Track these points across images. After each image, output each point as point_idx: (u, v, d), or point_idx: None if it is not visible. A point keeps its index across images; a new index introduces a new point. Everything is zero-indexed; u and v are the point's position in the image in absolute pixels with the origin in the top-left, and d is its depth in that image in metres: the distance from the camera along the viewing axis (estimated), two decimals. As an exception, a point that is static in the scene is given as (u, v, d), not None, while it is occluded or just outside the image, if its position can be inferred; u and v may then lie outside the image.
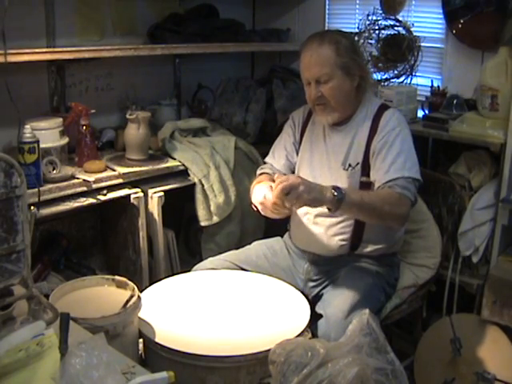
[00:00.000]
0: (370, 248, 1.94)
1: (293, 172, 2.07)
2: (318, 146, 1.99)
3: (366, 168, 1.87)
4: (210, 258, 2.03)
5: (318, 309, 1.77)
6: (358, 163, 1.88)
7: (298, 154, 2.05)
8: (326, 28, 2.99)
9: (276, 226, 2.19)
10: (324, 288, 1.92)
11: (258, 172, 2.12)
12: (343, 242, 1.92)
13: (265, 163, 2.16)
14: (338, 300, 1.74)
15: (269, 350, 1.36)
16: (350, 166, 1.89)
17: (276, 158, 2.08)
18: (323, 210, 1.75)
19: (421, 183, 1.84)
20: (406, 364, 2.21)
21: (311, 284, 1.97)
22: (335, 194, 1.64)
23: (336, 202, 1.64)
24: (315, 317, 1.73)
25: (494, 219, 2.23)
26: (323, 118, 1.92)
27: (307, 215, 1.98)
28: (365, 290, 1.78)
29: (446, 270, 2.30)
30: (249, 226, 2.55)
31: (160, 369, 1.16)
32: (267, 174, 2.05)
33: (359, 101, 1.93)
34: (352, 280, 1.83)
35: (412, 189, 1.77)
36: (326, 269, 1.96)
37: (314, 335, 1.67)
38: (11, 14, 1.94)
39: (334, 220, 1.90)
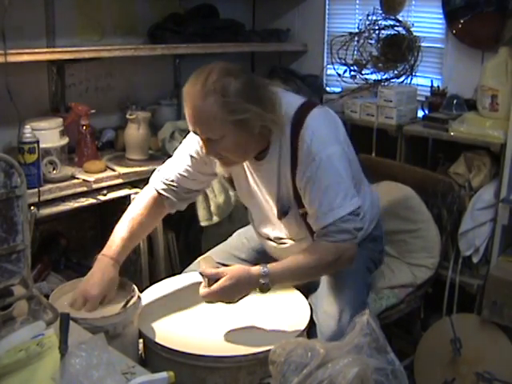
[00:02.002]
0: None
1: None
2: (247, 183, 1.74)
3: (299, 201, 1.64)
4: (198, 259, 2.02)
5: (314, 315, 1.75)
6: (289, 197, 1.65)
7: None
8: (326, 28, 2.99)
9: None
10: None
11: None
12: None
13: None
14: (326, 305, 1.69)
15: (269, 350, 1.36)
16: (283, 199, 1.67)
17: None
18: (283, 235, 1.74)
19: (359, 207, 1.59)
20: (405, 364, 2.21)
21: None
22: (261, 283, 1.52)
23: (264, 290, 1.54)
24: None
25: (494, 219, 2.23)
26: (227, 170, 1.73)
27: (269, 241, 1.82)
28: (350, 287, 1.71)
29: (446, 270, 2.30)
30: (249, 226, 2.55)
31: (160, 369, 1.16)
32: None
33: (267, 137, 1.60)
34: (335, 280, 1.72)
35: (350, 224, 1.55)
36: None
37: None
38: (11, 13, 1.94)
39: (298, 238, 1.74)
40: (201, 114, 1.47)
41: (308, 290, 1.89)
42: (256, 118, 1.49)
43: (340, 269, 1.62)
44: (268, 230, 1.79)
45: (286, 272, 1.57)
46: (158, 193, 1.76)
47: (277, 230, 1.75)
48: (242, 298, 1.56)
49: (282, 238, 1.77)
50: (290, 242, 1.76)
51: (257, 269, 1.53)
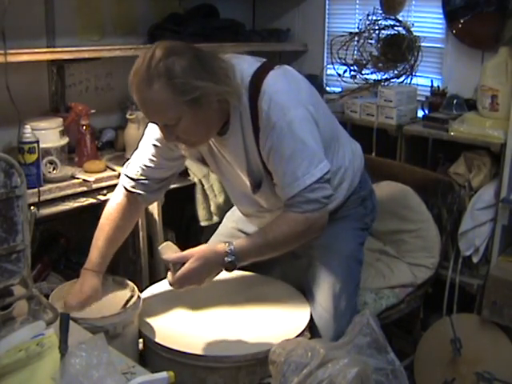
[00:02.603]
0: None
1: None
2: (217, 162, 1.68)
3: (269, 172, 1.57)
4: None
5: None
6: (259, 169, 1.58)
7: None
8: (326, 28, 2.99)
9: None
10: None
11: None
12: None
13: None
14: (320, 297, 1.70)
15: (269, 350, 1.36)
16: (254, 172, 1.59)
17: None
18: (261, 208, 1.68)
19: (327, 173, 1.50)
20: (405, 364, 2.21)
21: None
22: (227, 261, 1.49)
23: (229, 269, 1.51)
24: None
25: (494, 219, 2.23)
26: (193, 151, 1.65)
27: (251, 217, 1.79)
28: (342, 274, 1.70)
29: (446, 270, 2.30)
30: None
31: (160, 369, 1.16)
32: None
33: (227, 109, 1.51)
34: (328, 269, 1.71)
35: (318, 194, 1.48)
36: None
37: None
38: (11, 13, 1.94)
39: (277, 208, 1.64)
40: (151, 103, 1.41)
41: (298, 277, 1.85)
42: (209, 93, 1.40)
43: (309, 239, 1.57)
44: (247, 206, 1.74)
45: (253, 248, 1.52)
46: (129, 191, 1.70)
47: (255, 203, 1.69)
48: (210, 279, 1.53)
49: (261, 211, 1.71)
50: (268, 215, 1.68)
51: (222, 246, 1.50)
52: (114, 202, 1.72)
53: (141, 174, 1.69)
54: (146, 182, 1.70)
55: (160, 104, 1.40)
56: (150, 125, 1.66)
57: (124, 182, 1.72)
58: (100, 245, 1.67)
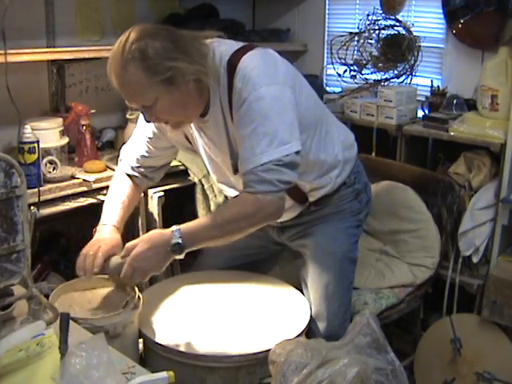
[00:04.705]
0: (318, 193, 1.70)
1: None
2: (202, 149, 1.69)
3: None
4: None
5: None
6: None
7: None
8: (326, 28, 2.99)
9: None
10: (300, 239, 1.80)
11: None
12: (287, 203, 1.60)
13: None
14: (312, 297, 1.72)
15: (269, 350, 1.36)
16: (235, 153, 1.57)
17: None
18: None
19: (287, 155, 1.43)
20: (405, 364, 2.21)
21: (288, 243, 1.87)
22: (173, 243, 1.44)
23: (177, 252, 1.46)
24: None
25: (494, 219, 2.23)
26: (179, 131, 1.64)
27: (232, 189, 1.74)
28: (335, 275, 1.71)
29: (446, 270, 2.30)
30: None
31: (160, 369, 1.16)
32: None
33: (206, 89, 1.51)
34: (321, 270, 1.72)
35: (273, 175, 1.41)
36: (293, 232, 1.82)
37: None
38: (11, 13, 1.94)
39: None
40: (127, 85, 1.43)
41: (298, 277, 1.86)
42: (182, 72, 1.41)
43: (262, 224, 1.50)
44: (233, 192, 1.73)
45: (201, 230, 1.47)
46: (127, 174, 1.79)
47: (239, 189, 1.66)
48: (163, 266, 1.48)
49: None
50: None
51: (169, 229, 1.46)
52: (119, 177, 1.80)
53: (136, 163, 1.77)
54: (142, 169, 1.78)
55: (135, 86, 1.42)
56: (142, 116, 1.70)
57: (124, 168, 1.80)
58: (115, 206, 1.71)
